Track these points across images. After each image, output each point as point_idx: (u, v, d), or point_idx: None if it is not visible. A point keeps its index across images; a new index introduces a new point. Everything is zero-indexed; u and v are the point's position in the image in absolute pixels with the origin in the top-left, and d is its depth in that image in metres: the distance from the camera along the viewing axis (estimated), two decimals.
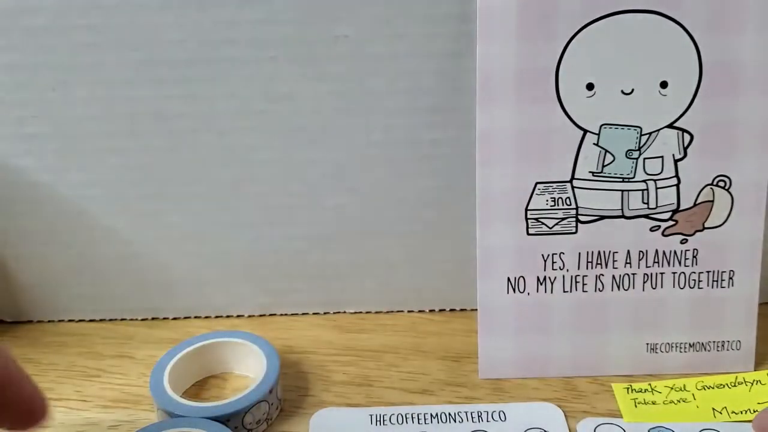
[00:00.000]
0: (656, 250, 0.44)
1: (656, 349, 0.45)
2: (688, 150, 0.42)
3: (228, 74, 0.44)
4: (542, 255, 0.44)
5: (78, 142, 0.46)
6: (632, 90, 0.41)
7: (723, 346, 0.45)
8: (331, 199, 0.48)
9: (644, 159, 0.42)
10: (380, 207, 0.48)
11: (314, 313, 0.52)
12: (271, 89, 0.45)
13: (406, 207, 0.48)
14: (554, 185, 0.43)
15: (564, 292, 0.44)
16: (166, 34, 0.43)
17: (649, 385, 0.44)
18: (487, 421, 0.43)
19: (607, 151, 0.42)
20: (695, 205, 0.43)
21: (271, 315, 0.52)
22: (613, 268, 0.44)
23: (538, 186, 0.43)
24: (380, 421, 0.43)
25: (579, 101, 0.41)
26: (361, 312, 0.52)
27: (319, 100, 0.45)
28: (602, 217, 0.43)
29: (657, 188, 0.43)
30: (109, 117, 0.46)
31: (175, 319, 0.52)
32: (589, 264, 0.44)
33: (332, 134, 0.46)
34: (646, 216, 0.43)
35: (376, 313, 0.52)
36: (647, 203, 0.43)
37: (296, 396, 0.45)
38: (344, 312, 0.52)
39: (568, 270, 0.44)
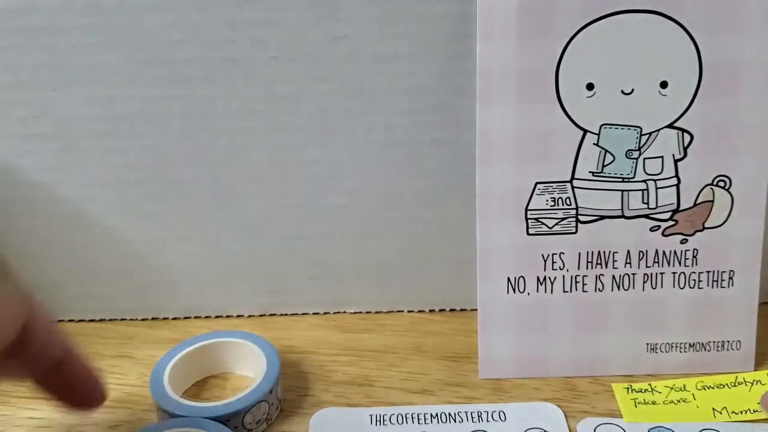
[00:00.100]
0: (656, 250, 0.44)
1: (656, 349, 0.45)
2: (688, 150, 0.42)
3: (228, 74, 0.44)
4: (542, 255, 0.44)
5: (78, 142, 0.46)
6: (632, 90, 0.41)
7: (723, 346, 0.45)
8: (331, 199, 0.48)
9: (644, 159, 0.42)
10: (380, 207, 0.48)
11: (314, 313, 0.52)
12: (271, 89, 0.45)
13: (406, 207, 0.48)
14: (554, 185, 0.43)
15: (564, 292, 0.44)
16: (166, 34, 0.43)
17: (649, 385, 0.44)
18: (487, 421, 0.43)
19: (607, 151, 0.42)
20: (695, 205, 0.43)
21: (271, 315, 0.52)
22: (613, 268, 0.44)
23: (538, 186, 0.43)
24: (380, 421, 0.43)
25: (579, 101, 0.42)
26: (361, 312, 0.52)
27: (319, 100, 0.45)
28: (602, 217, 0.43)
29: (657, 188, 0.43)
30: (109, 117, 0.46)
31: (175, 319, 0.52)
32: (589, 264, 0.44)
33: (332, 134, 0.46)
34: (646, 216, 0.43)
35: (376, 313, 0.52)
36: (647, 203, 0.43)
37: (296, 396, 0.45)
38: (344, 312, 0.52)
39: (568, 270, 0.44)
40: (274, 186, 0.47)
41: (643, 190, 0.43)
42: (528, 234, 0.43)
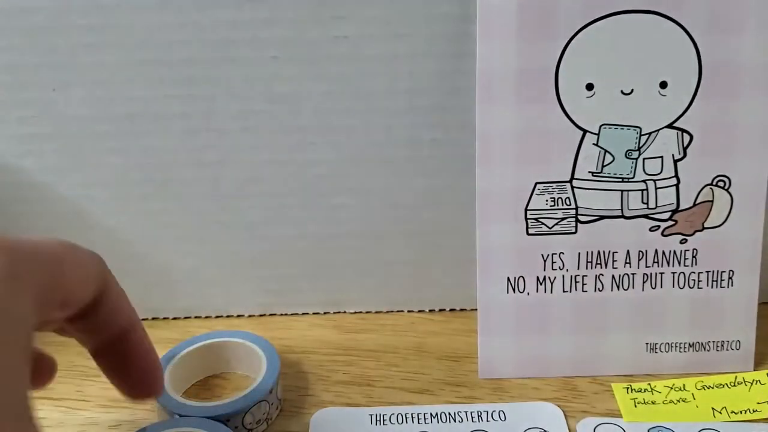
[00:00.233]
0: (656, 250, 0.44)
1: (656, 349, 0.45)
2: (688, 150, 0.42)
3: (228, 74, 0.44)
4: (542, 255, 0.44)
5: (78, 142, 0.46)
6: (632, 90, 0.41)
7: (723, 346, 0.45)
8: (331, 199, 0.48)
9: (644, 159, 0.42)
10: (380, 207, 0.48)
11: (314, 313, 0.52)
12: (271, 89, 0.45)
13: (406, 207, 0.48)
14: (554, 185, 0.43)
15: (564, 291, 0.44)
16: (166, 34, 0.43)
17: (649, 384, 0.44)
18: (487, 420, 0.43)
19: (606, 151, 0.42)
20: (695, 205, 0.43)
21: (271, 315, 0.52)
22: (613, 268, 0.44)
23: (538, 186, 0.43)
24: (380, 420, 0.43)
25: (579, 101, 0.42)
26: (361, 312, 0.52)
27: (319, 100, 0.45)
28: (602, 217, 0.43)
29: (657, 188, 0.43)
30: (109, 117, 0.46)
31: (175, 319, 0.52)
32: (589, 264, 0.44)
33: (332, 134, 0.46)
34: (646, 216, 0.43)
35: (376, 313, 0.52)
36: (647, 203, 0.43)
37: (296, 396, 0.45)
38: (344, 312, 0.52)
39: (567, 270, 0.44)
40: (274, 186, 0.47)
41: (642, 190, 0.43)
42: (528, 234, 0.43)
